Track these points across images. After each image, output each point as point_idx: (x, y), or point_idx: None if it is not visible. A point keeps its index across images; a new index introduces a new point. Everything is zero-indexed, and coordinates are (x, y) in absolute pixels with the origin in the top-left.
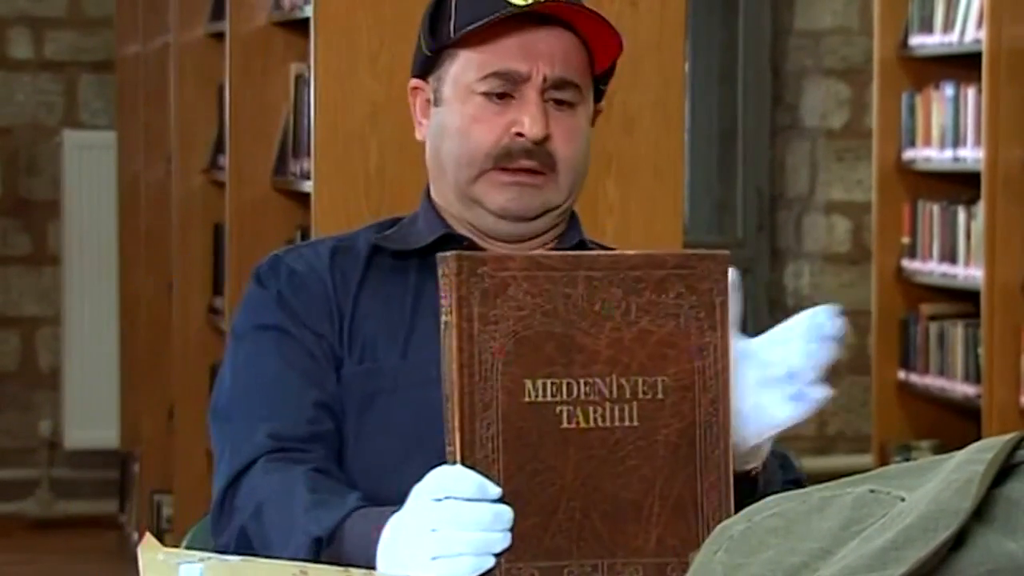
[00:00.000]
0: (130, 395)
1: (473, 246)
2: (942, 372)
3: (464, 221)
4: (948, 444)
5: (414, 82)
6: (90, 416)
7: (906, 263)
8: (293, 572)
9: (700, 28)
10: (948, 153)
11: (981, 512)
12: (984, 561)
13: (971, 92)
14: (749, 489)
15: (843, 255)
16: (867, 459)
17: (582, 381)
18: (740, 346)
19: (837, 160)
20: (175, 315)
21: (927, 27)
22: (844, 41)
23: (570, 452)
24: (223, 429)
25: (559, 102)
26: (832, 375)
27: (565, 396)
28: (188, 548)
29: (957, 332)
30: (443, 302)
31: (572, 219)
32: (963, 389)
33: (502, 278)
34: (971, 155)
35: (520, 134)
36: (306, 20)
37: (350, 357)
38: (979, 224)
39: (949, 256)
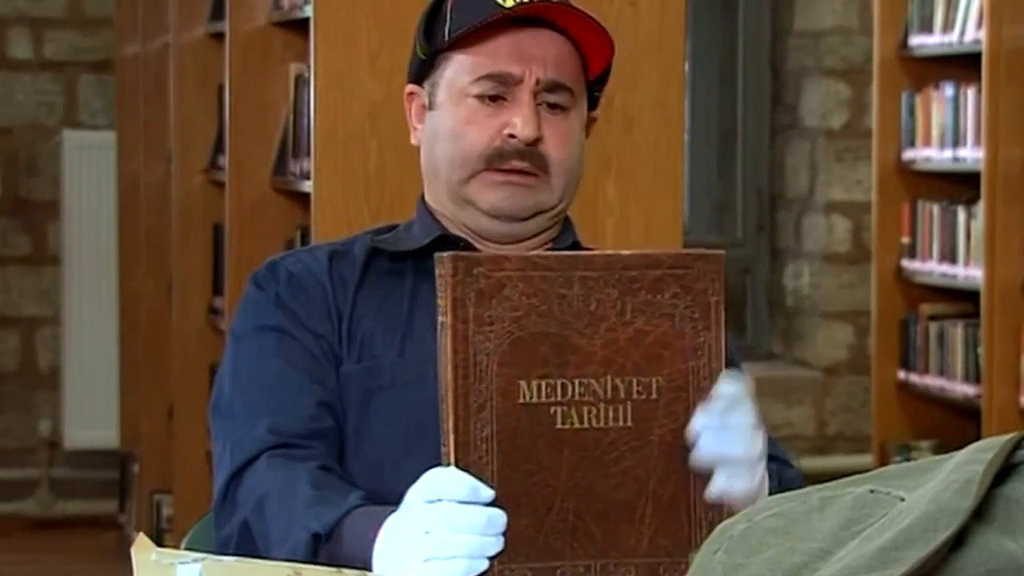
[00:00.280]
0: (130, 395)
1: (468, 247)
2: (942, 372)
3: (458, 223)
4: (948, 444)
5: (409, 87)
6: (90, 416)
7: (906, 263)
8: (287, 573)
9: (700, 28)
10: (948, 153)
11: (981, 512)
12: (984, 561)
13: (971, 92)
14: None
15: (843, 255)
16: (867, 459)
17: (576, 382)
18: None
19: (837, 160)
20: (175, 315)
21: (927, 27)
22: (844, 41)
23: (564, 453)
24: (224, 426)
25: (552, 105)
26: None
27: (560, 397)
28: (188, 548)
29: (957, 332)
30: (439, 302)
31: (566, 223)
32: (963, 389)
33: (498, 279)
34: (971, 155)
35: (512, 135)
36: (306, 20)
37: (349, 356)
38: (979, 224)
39: (949, 256)
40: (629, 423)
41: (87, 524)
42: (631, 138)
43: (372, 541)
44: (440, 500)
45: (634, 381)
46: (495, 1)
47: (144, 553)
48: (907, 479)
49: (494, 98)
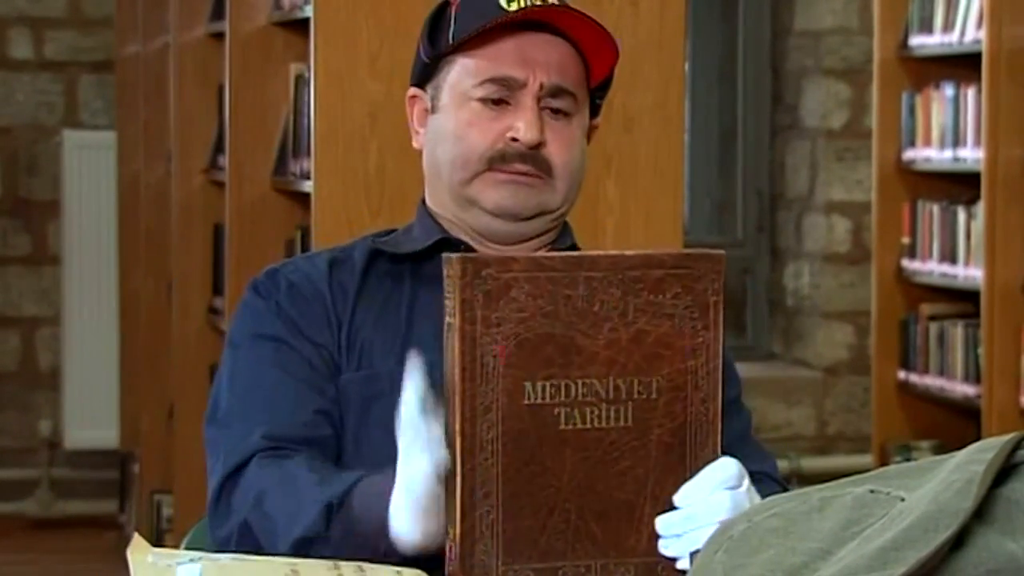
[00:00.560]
0: (130, 395)
1: (470, 250)
2: (942, 372)
3: (460, 225)
4: (948, 444)
5: (412, 91)
6: (90, 416)
7: (906, 263)
8: (285, 572)
9: (700, 28)
10: (948, 153)
11: (981, 512)
12: (984, 561)
13: (971, 92)
14: None
15: (843, 255)
16: (867, 459)
17: (580, 382)
18: None
19: (837, 160)
20: (175, 315)
21: (927, 27)
22: (844, 41)
23: (567, 453)
24: (219, 434)
25: (555, 110)
26: (832, 375)
27: (563, 398)
28: (188, 548)
29: (957, 332)
30: (447, 303)
31: (564, 226)
32: (963, 389)
33: (505, 280)
34: (971, 155)
35: (515, 139)
36: (306, 20)
37: (348, 364)
38: (979, 224)
39: (949, 256)
40: (629, 423)
41: (87, 524)
42: (631, 138)
43: (388, 499)
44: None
45: (635, 381)
46: (499, 5)
47: (140, 554)
48: (907, 479)
49: (497, 102)
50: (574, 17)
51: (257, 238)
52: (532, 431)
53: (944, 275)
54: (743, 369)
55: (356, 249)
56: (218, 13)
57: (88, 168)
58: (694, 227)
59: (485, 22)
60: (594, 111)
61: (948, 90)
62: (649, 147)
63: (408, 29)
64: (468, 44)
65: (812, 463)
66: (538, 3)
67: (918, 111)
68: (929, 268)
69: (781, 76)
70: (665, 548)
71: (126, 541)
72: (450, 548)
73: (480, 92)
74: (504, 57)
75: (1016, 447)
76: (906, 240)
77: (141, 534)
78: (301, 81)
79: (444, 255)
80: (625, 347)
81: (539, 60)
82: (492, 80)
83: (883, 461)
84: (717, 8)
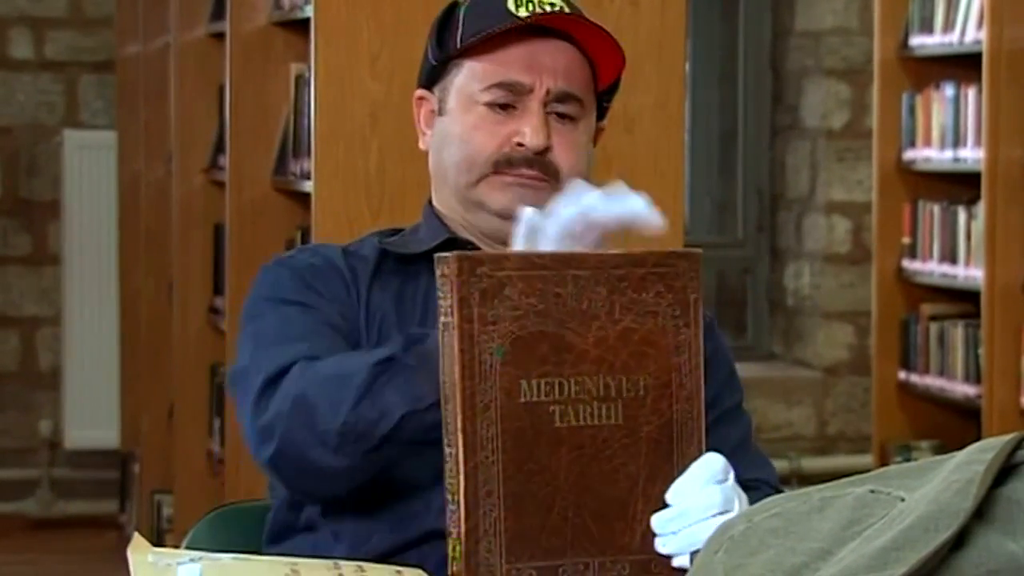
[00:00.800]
0: (130, 395)
1: (476, 248)
2: (942, 372)
3: (467, 226)
4: (948, 444)
5: (419, 92)
6: (90, 416)
7: (906, 263)
8: (285, 571)
9: (701, 28)
10: (948, 153)
11: (982, 512)
12: (985, 561)
13: (971, 92)
14: None
15: (843, 255)
16: (867, 459)
17: (572, 380)
18: None
19: (837, 160)
20: (175, 315)
21: (927, 27)
22: (844, 41)
23: (562, 451)
24: (249, 366)
25: (561, 115)
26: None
27: (557, 395)
28: (189, 548)
29: (957, 332)
30: (442, 303)
31: None
32: (963, 389)
33: (499, 278)
34: (971, 155)
35: (521, 144)
36: (306, 20)
37: (368, 339)
38: (979, 224)
39: (949, 256)
40: (620, 421)
41: (87, 524)
42: (632, 138)
43: None
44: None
45: (624, 379)
46: (508, 10)
47: (140, 554)
48: (907, 479)
49: (504, 106)
50: (583, 25)
51: (258, 238)
52: (529, 429)
53: (944, 275)
54: (743, 369)
55: (365, 246)
56: (218, 13)
57: (89, 168)
58: (694, 227)
59: (493, 26)
60: (601, 114)
61: (948, 90)
62: (649, 147)
63: (409, 29)
64: (476, 48)
65: (812, 463)
66: (547, 9)
67: (918, 111)
68: (929, 268)
69: (781, 76)
70: (663, 547)
71: (126, 541)
72: (453, 547)
73: (487, 96)
74: (512, 62)
75: (1016, 447)
76: (906, 240)
77: (141, 534)
78: (301, 81)
79: (437, 255)
80: (613, 345)
81: (546, 65)
82: (499, 85)
83: (883, 461)
84: (717, 8)
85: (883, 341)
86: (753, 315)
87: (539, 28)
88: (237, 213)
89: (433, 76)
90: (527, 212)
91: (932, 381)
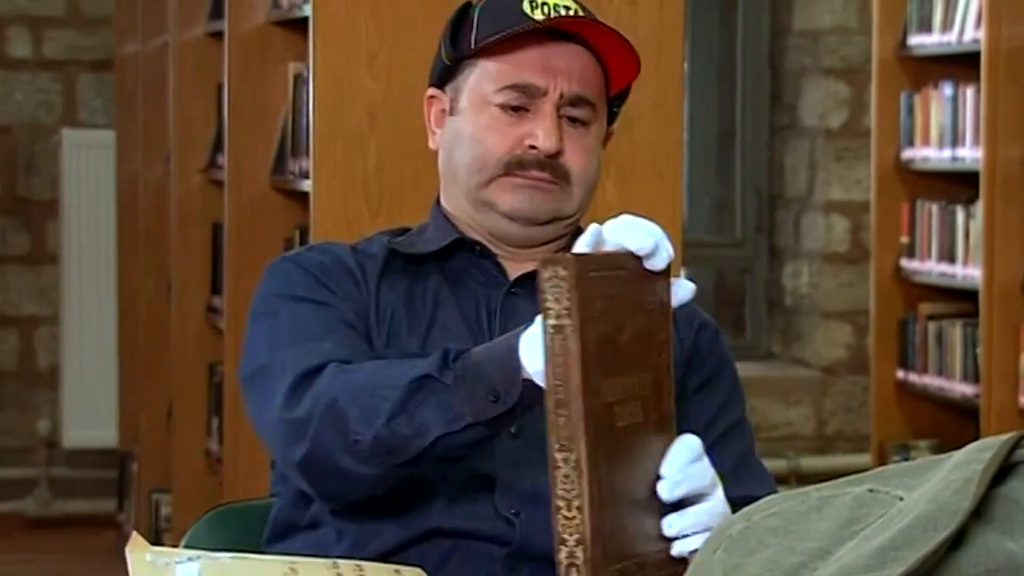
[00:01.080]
0: (129, 394)
1: (485, 251)
2: (941, 372)
3: (476, 226)
4: (947, 444)
5: (431, 91)
6: (89, 415)
7: (905, 263)
8: (283, 570)
9: (699, 28)
10: (947, 153)
11: (980, 511)
12: (983, 560)
13: (970, 92)
14: None
15: (842, 255)
16: (866, 459)
17: (623, 380)
18: None
19: (836, 160)
20: (174, 314)
21: (926, 27)
22: (843, 41)
23: (622, 451)
24: (274, 358)
25: (573, 119)
26: (830, 375)
27: (617, 396)
28: (187, 547)
29: (956, 332)
30: (553, 305)
31: (578, 231)
32: (962, 389)
33: (592, 279)
34: (970, 155)
35: (533, 146)
36: (305, 19)
37: (378, 337)
38: (978, 224)
39: (948, 256)
40: (641, 419)
41: (86, 523)
42: (630, 138)
43: (516, 336)
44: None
45: (642, 377)
46: (523, 12)
47: (139, 553)
48: (906, 479)
49: (516, 108)
50: (599, 29)
51: (256, 237)
52: (608, 431)
53: (943, 275)
54: (742, 368)
55: (373, 244)
56: (217, 12)
57: (87, 167)
58: (693, 227)
59: (509, 27)
60: (611, 118)
61: (947, 89)
62: (648, 147)
63: (407, 28)
64: (490, 48)
65: (811, 462)
66: (564, 12)
67: (917, 111)
68: (928, 268)
69: (780, 76)
70: (686, 547)
71: (125, 540)
72: (571, 554)
73: (500, 98)
74: (526, 64)
75: (1015, 446)
76: (905, 240)
77: (140, 533)
78: (300, 80)
79: (545, 256)
80: (638, 344)
81: (561, 69)
82: (513, 87)
83: (882, 460)
84: (716, 8)
85: (881, 340)
86: (751, 314)
87: (554, 31)
88: (236, 212)
89: (445, 75)
90: (593, 226)
91: (930, 380)
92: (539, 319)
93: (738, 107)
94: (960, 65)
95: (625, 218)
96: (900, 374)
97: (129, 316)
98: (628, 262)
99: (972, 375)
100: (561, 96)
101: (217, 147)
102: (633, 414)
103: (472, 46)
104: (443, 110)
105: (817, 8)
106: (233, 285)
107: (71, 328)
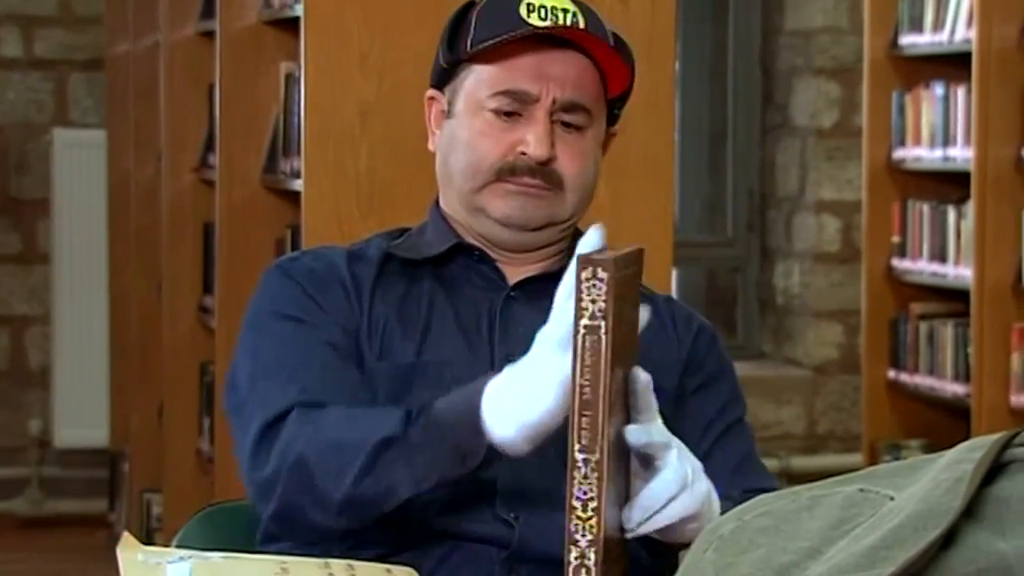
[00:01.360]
0: (120, 394)
1: (483, 256)
2: (932, 371)
3: (471, 231)
4: (938, 443)
5: (431, 92)
6: (80, 415)
7: (896, 262)
8: (275, 570)
9: (690, 28)
10: (938, 152)
11: (971, 511)
12: (974, 560)
13: (961, 91)
14: None
15: (833, 254)
16: (857, 458)
17: (628, 376)
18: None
19: (827, 159)
20: (165, 314)
21: (917, 26)
22: (834, 40)
23: (617, 449)
24: (247, 396)
25: (567, 124)
26: (822, 374)
27: (616, 394)
28: (178, 547)
29: (947, 331)
30: (588, 305)
31: (578, 237)
32: (953, 388)
33: (619, 280)
34: (961, 154)
35: (525, 153)
36: (296, 19)
37: (371, 350)
38: (969, 223)
39: (939, 255)
40: (623, 416)
41: (77, 523)
42: (622, 137)
43: (479, 394)
44: None
45: (624, 373)
46: (520, 16)
47: (130, 552)
48: (897, 478)
49: (510, 114)
50: (593, 40)
51: (247, 237)
52: (615, 431)
53: (934, 274)
54: None
55: (371, 247)
56: (208, 12)
57: (78, 167)
58: (684, 226)
59: (504, 31)
60: (613, 120)
61: (938, 89)
62: (639, 146)
63: (399, 28)
64: (485, 53)
65: (802, 462)
66: (559, 17)
67: (908, 110)
68: (919, 267)
69: (771, 75)
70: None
71: (116, 540)
72: (582, 555)
73: (493, 103)
74: (519, 71)
75: (1005, 446)
76: (896, 239)
77: (131, 533)
78: (291, 80)
79: (581, 255)
80: (630, 338)
81: (554, 75)
82: (505, 93)
83: (873, 460)
84: (708, 8)
85: (872, 340)
86: (743, 314)
87: (550, 37)
88: (227, 212)
89: (444, 77)
90: (597, 228)
91: (921, 380)
92: (508, 370)
93: (729, 107)
94: (951, 65)
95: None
96: (891, 374)
97: (120, 316)
98: (637, 260)
99: (963, 375)
100: (554, 102)
101: (208, 147)
102: (621, 410)
103: (468, 49)
104: (442, 111)
105: (808, 8)
106: (224, 285)
107: (62, 328)
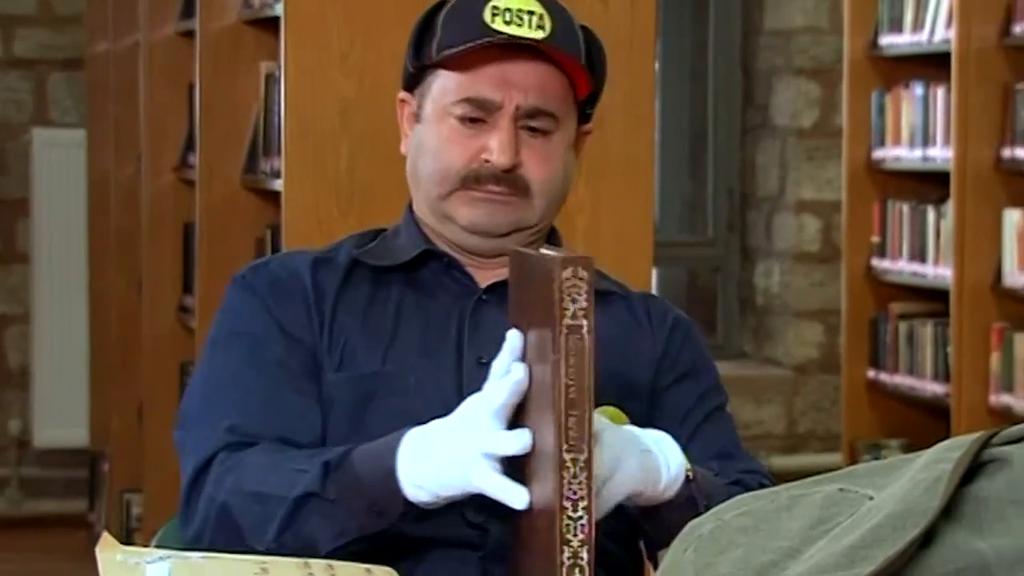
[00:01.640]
0: (100, 394)
1: (453, 262)
2: (911, 371)
3: (441, 235)
4: (917, 443)
5: (402, 95)
6: (60, 415)
7: (876, 262)
8: (254, 570)
9: (671, 27)
10: (918, 152)
11: (950, 510)
12: (953, 559)
13: (940, 92)
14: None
15: (813, 254)
16: (836, 458)
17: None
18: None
19: (807, 159)
20: (145, 314)
21: (897, 27)
22: (814, 40)
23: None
24: (187, 435)
25: (533, 129)
26: (802, 374)
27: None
28: (158, 547)
29: (926, 331)
30: (570, 306)
31: (552, 237)
32: (932, 388)
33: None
34: (940, 155)
35: (489, 160)
36: (276, 18)
37: (330, 363)
38: (948, 223)
39: (918, 255)
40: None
41: (57, 523)
42: (601, 137)
43: (394, 449)
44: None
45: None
46: (484, 21)
47: (109, 552)
48: (876, 478)
49: (475, 120)
50: (553, 49)
51: (227, 237)
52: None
53: (914, 274)
54: None
55: (341, 251)
56: (188, 11)
57: (58, 166)
58: (664, 226)
59: (468, 37)
60: (585, 119)
61: (918, 89)
62: (619, 146)
63: (379, 28)
64: (449, 59)
65: (782, 462)
66: (524, 19)
67: (888, 110)
68: (899, 267)
69: (751, 75)
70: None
71: (96, 540)
72: (574, 554)
73: (458, 110)
74: (482, 78)
75: (984, 445)
76: (876, 239)
77: (111, 533)
78: (271, 79)
79: (559, 256)
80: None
81: (517, 82)
82: (469, 100)
83: (853, 460)
84: (688, 7)
85: (852, 340)
86: (723, 314)
87: (514, 44)
88: (207, 211)
89: (412, 81)
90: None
91: (901, 380)
92: (431, 427)
93: (710, 107)
94: (931, 65)
95: None
96: (871, 373)
97: (100, 315)
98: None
99: (943, 374)
100: (517, 109)
101: (189, 146)
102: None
103: (434, 55)
104: (413, 113)
105: (788, 8)
106: (204, 284)
107: (42, 327)
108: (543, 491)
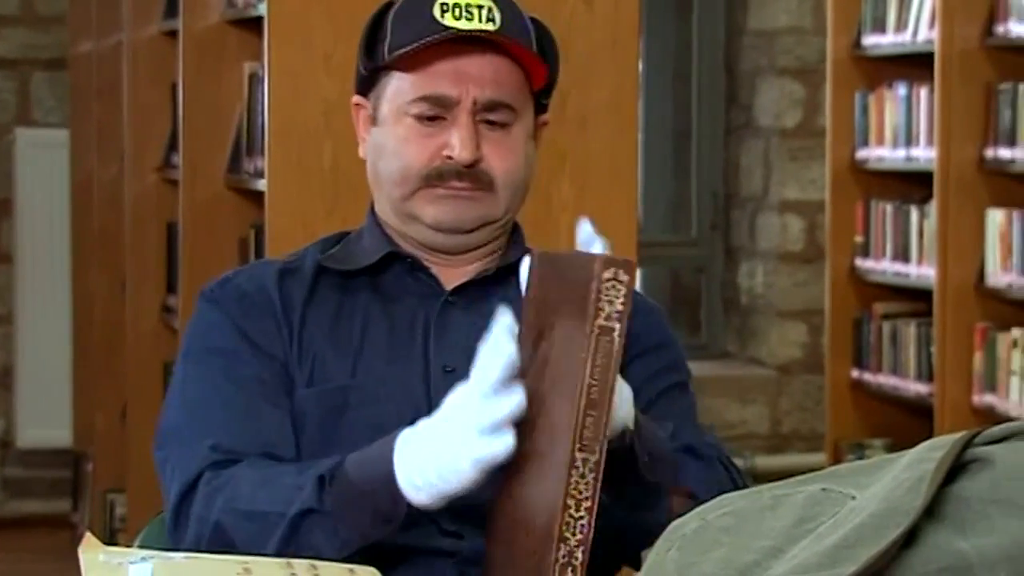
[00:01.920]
0: (83, 394)
1: (417, 264)
2: (895, 371)
3: (405, 237)
4: (901, 442)
5: (356, 99)
6: (43, 415)
7: (859, 262)
8: (237, 570)
9: (654, 27)
10: (901, 152)
11: (932, 510)
12: (935, 559)
13: (923, 92)
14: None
15: (797, 254)
16: (820, 457)
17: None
18: None
19: (791, 159)
20: (128, 314)
21: (880, 27)
22: (798, 41)
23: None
24: (168, 454)
25: (492, 123)
26: (785, 374)
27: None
28: (141, 547)
29: (910, 331)
30: (606, 307)
31: (515, 233)
32: (916, 388)
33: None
34: (924, 155)
35: (450, 157)
36: (260, 18)
37: (301, 377)
38: (931, 223)
39: (902, 255)
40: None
41: (40, 524)
42: (585, 136)
43: (390, 452)
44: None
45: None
46: (434, 18)
47: (92, 553)
48: (859, 477)
49: (432, 118)
50: (506, 40)
51: (211, 236)
52: None
53: (897, 274)
54: (698, 368)
55: (307, 258)
56: (171, 11)
57: (41, 166)
58: (648, 226)
59: (419, 36)
60: (541, 109)
61: (901, 90)
62: (603, 146)
63: (362, 28)
64: (402, 59)
65: (766, 461)
66: (476, 14)
67: (871, 110)
68: (882, 267)
69: (735, 75)
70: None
71: (79, 540)
72: (571, 553)
73: (415, 109)
74: (437, 75)
75: (967, 445)
76: (859, 239)
77: (94, 533)
78: (255, 79)
79: (603, 256)
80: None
81: (472, 75)
82: (425, 98)
83: (836, 459)
84: (671, 7)
85: (836, 340)
86: (707, 314)
87: (466, 38)
88: (190, 211)
89: (366, 84)
90: (585, 225)
91: (885, 379)
92: (421, 426)
93: (693, 107)
94: (914, 65)
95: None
96: (855, 373)
97: (83, 315)
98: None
99: (926, 374)
100: (475, 103)
101: (172, 146)
102: None
103: (386, 56)
104: (369, 117)
105: (772, 8)
106: (188, 284)
107: (25, 327)
108: (544, 484)
